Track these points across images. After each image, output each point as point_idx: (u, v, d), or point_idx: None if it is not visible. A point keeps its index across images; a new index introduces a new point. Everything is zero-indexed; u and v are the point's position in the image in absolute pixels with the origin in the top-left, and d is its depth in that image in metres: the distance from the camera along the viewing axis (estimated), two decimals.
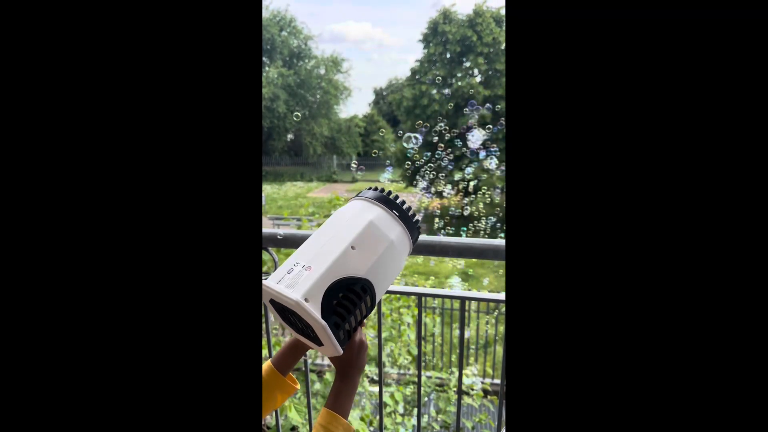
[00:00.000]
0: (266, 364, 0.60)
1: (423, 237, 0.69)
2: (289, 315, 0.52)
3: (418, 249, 0.70)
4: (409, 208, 0.56)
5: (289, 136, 19.64)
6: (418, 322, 0.75)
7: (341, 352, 0.50)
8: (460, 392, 0.85)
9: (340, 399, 0.55)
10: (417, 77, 13.04)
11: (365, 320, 0.57)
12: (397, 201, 0.56)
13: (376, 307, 0.60)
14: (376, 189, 0.57)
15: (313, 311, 0.46)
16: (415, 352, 2.35)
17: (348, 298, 0.49)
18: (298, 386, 0.61)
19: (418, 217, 0.57)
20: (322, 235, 0.53)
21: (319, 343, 0.51)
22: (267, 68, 18.06)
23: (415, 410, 2.16)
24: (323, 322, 0.46)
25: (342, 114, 20.53)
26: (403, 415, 2.00)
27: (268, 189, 14.98)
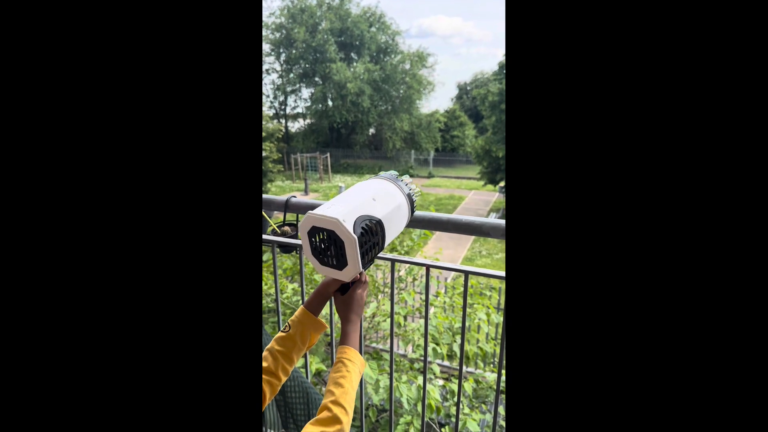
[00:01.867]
0: (300, 309, 0.74)
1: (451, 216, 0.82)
2: (320, 244, 0.66)
3: (445, 226, 0.82)
4: (411, 190, 0.75)
5: (371, 131, 20.19)
6: (464, 302, 0.77)
7: (361, 269, 0.64)
8: (499, 390, 0.84)
9: (349, 338, 0.71)
10: (505, 71, 12.50)
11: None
12: (404, 182, 0.75)
13: (424, 295, 0.66)
14: (390, 172, 0.77)
15: (348, 228, 0.61)
16: (486, 348, 2.34)
17: (370, 227, 0.66)
18: (327, 326, 0.74)
19: (417, 200, 0.77)
20: (349, 194, 0.71)
21: (343, 266, 0.65)
22: (355, 63, 18.71)
23: (483, 405, 2.16)
24: (354, 236, 0.61)
25: (423, 109, 20.52)
26: (471, 409, 2.02)
27: (348, 180, 15.64)
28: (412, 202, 0.75)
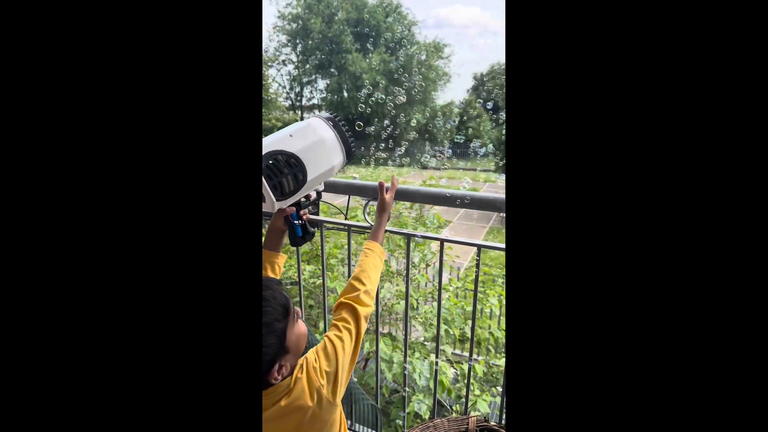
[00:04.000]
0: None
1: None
2: None
3: (441, 201, 0.86)
4: (348, 129, 0.80)
5: (386, 122, 20.13)
6: (476, 276, 0.81)
7: (275, 201, 0.72)
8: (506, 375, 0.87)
9: (373, 234, 0.85)
10: (505, 72, 12.30)
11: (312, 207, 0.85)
12: (337, 119, 0.79)
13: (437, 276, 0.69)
14: (329, 113, 0.81)
15: None
16: (497, 335, 2.38)
17: (279, 161, 0.71)
18: (285, 256, 0.88)
19: (352, 137, 0.81)
20: (273, 133, 0.74)
21: (263, 199, 0.71)
22: (371, 54, 18.64)
23: (493, 389, 2.21)
24: None
25: (439, 100, 20.36)
26: (482, 391, 2.07)
27: (362, 171, 15.70)
28: (344, 138, 0.77)
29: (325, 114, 0.79)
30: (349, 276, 1.12)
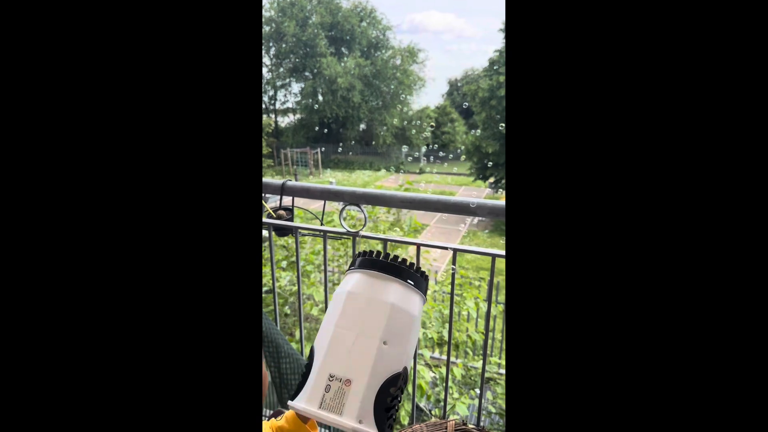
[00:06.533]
0: (291, 414, 0.60)
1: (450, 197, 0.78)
2: None
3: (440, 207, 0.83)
4: (413, 265, 0.52)
5: (362, 126, 20.16)
6: (452, 280, 0.81)
7: None
8: (483, 377, 0.88)
9: None
10: (495, 68, 12.64)
11: None
12: (402, 264, 0.52)
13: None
14: (372, 254, 0.53)
15: (370, 430, 0.45)
16: (474, 337, 2.40)
17: (395, 398, 0.48)
18: (317, 429, 0.62)
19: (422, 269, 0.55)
20: (344, 331, 0.49)
21: None
22: (345, 58, 18.64)
23: (472, 392, 2.22)
24: None
25: (414, 105, 20.58)
26: (460, 394, 2.08)
27: (338, 176, 15.63)
28: (423, 286, 0.53)
29: (385, 262, 0.52)
30: (325, 283, 1.09)
